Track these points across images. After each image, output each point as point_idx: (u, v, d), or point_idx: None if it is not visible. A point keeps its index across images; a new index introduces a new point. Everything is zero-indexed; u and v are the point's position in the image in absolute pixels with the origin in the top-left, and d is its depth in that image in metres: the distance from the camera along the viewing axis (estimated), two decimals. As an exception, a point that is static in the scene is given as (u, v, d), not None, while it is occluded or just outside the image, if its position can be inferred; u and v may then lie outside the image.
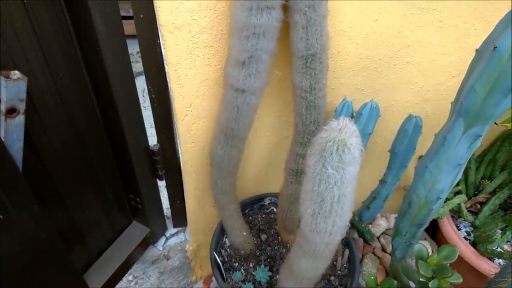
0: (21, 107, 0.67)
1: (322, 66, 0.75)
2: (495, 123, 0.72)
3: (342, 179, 0.57)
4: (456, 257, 0.62)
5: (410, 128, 0.84)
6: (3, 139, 0.66)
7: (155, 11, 0.73)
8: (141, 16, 0.78)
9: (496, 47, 0.56)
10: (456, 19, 0.82)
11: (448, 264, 0.76)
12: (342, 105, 0.86)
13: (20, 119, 0.69)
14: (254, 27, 0.66)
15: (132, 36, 0.83)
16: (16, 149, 0.71)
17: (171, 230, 1.29)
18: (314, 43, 0.71)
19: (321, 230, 0.64)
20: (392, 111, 0.99)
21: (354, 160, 0.56)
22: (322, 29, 0.70)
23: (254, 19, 0.65)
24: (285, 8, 0.68)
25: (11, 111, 0.67)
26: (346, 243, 1.05)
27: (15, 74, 0.65)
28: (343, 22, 0.79)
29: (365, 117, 0.82)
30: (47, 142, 0.81)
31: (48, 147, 0.82)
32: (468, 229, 1.10)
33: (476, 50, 0.62)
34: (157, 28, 0.76)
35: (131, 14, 0.77)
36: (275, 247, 1.06)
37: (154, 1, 0.71)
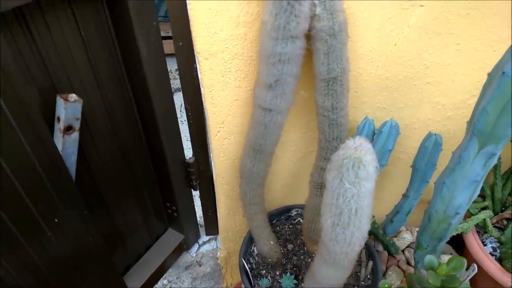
0: (77, 125, 0.78)
1: (343, 87, 0.81)
2: (511, 141, 0.74)
3: (359, 193, 0.62)
4: (464, 268, 0.65)
5: (430, 145, 0.88)
6: (60, 153, 0.76)
7: (193, 40, 0.82)
8: (180, 44, 0.87)
9: (504, 72, 0.60)
10: (474, 42, 0.86)
11: (468, 279, 0.79)
12: (364, 123, 0.91)
13: (75, 135, 0.79)
14: (280, 54, 0.73)
15: (171, 55, 0.92)
16: (71, 162, 0.81)
17: (204, 237, 1.37)
18: (335, 67, 0.77)
19: (340, 240, 0.69)
20: (414, 128, 1.03)
21: (369, 176, 0.61)
22: (342, 55, 0.77)
23: (280, 48, 0.72)
24: (308, 37, 0.75)
25: (68, 129, 0.77)
26: (370, 254, 1.09)
27: (73, 97, 0.76)
28: (363, 47, 0.85)
29: (385, 135, 0.87)
30: (96, 155, 0.92)
31: (97, 159, 0.92)
32: (494, 244, 1.11)
33: (488, 74, 0.67)
34: (194, 54, 0.85)
35: (170, 34, 0.86)
36: (301, 257, 1.12)
37: (191, 32, 0.80)
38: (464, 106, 0.99)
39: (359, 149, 0.61)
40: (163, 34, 1.03)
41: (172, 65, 0.99)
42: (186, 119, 1.02)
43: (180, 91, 0.98)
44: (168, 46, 0.90)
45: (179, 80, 0.95)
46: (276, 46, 0.73)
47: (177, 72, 0.95)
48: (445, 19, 0.82)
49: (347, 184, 0.62)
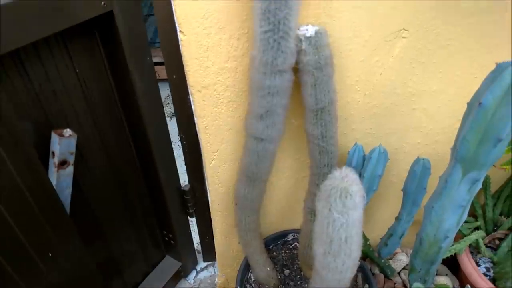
0: (71, 159, 0.80)
1: (331, 117, 0.84)
2: (493, 165, 0.77)
3: (347, 222, 0.64)
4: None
5: (419, 169, 0.91)
6: (54, 187, 0.78)
7: (185, 73, 0.85)
8: (174, 76, 0.91)
9: (480, 103, 0.63)
10: (456, 70, 0.89)
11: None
12: (354, 149, 0.94)
13: (70, 169, 0.81)
14: (269, 87, 0.77)
15: (164, 80, 0.95)
16: (66, 195, 0.83)
17: (202, 264, 1.38)
18: (323, 98, 0.80)
19: (332, 268, 0.71)
20: (404, 152, 1.05)
21: (356, 205, 0.63)
22: (329, 86, 0.80)
23: (269, 81, 0.76)
24: (296, 70, 0.78)
25: (62, 163, 0.79)
26: (366, 278, 1.09)
27: (67, 131, 0.78)
28: (350, 77, 0.88)
29: (375, 161, 0.89)
30: (92, 185, 0.94)
31: (92, 190, 0.94)
32: (487, 265, 1.12)
33: (467, 103, 0.70)
34: (187, 86, 0.88)
35: (162, 60, 0.89)
36: (298, 282, 1.12)
37: (184, 66, 0.84)
38: (451, 130, 1.01)
39: (346, 179, 0.63)
40: (158, 60, 1.06)
41: (167, 90, 1.02)
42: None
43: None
44: (161, 72, 0.93)
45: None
46: (265, 79, 0.76)
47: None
48: (427, 49, 0.85)
49: (335, 214, 0.64)
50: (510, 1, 0.80)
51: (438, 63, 0.88)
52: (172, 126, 1.03)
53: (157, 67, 1.14)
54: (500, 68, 0.62)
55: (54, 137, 0.76)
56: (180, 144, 1.13)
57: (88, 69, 0.82)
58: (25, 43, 0.63)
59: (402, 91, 0.92)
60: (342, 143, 0.99)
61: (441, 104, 0.96)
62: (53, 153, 0.77)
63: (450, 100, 0.95)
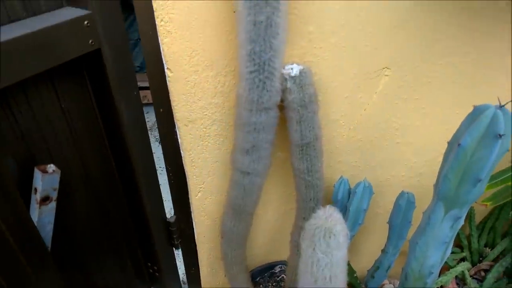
0: (54, 195, 0.79)
1: (317, 152, 0.85)
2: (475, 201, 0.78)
3: (331, 262, 0.64)
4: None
5: (403, 203, 0.91)
6: (36, 224, 0.77)
7: (172, 108, 0.86)
8: (161, 110, 0.91)
9: (459, 144, 0.64)
10: (437, 106, 0.92)
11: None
12: (340, 182, 0.94)
13: (52, 205, 0.80)
14: (255, 124, 0.77)
15: (149, 104, 0.94)
16: (47, 231, 0.81)
17: (187, 295, 1.35)
18: (308, 134, 0.81)
19: (317, 306, 0.70)
20: (389, 184, 1.06)
21: (340, 245, 0.63)
22: (314, 122, 0.81)
23: (254, 118, 0.77)
24: (281, 107, 0.79)
25: (44, 199, 0.78)
26: (352, 311, 1.08)
27: (51, 167, 0.77)
28: (335, 112, 0.90)
29: (359, 195, 0.90)
30: (75, 218, 0.92)
31: (75, 223, 0.93)
32: (474, 297, 1.12)
33: (448, 142, 0.71)
34: (174, 120, 0.89)
35: (147, 85, 0.88)
36: (284, 315, 1.11)
37: (171, 101, 0.84)
38: (435, 163, 1.03)
39: (330, 219, 0.64)
40: (141, 84, 1.06)
41: (151, 113, 1.02)
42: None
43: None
44: (150, 96, 0.93)
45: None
46: (251, 116, 0.77)
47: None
48: (409, 86, 0.88)
49: (320, 254, 0.64)
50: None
51: (420, 99, 0.91)
52: (160, 151, 1.02)
53: (145, 92, 1.14)
54: (477, 111, 0.64)
55: (37, 173, 0.75)
56: (165, 171, 1.12)
57: (74, 104, 0.82)
58: (12, 82, 0.63)
59: (386, 126, 0.94)
60: (328, 175, 1.00)
61: (425, 138, 0.98)
62: (35, 189, 0.76)
63: (433, 134, 0.97)
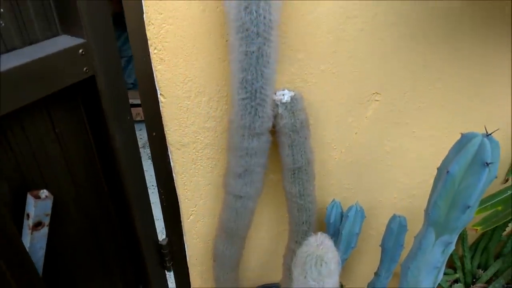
0: (46, 220, 0.79)
1: (309, 176, 0.85)
2: (466, 227, 0.79)
3: (323, 289, 0.64)
4: None
5: (395, 227, 0.92)
6: (28, 249, 0.76)
7: (165, 132, 0.86)
8: (154, 134, 0.91)
9: (448, 171, 0.65)
10: (427, 130, 0.93)
11: None
12: (332, 205, 0.95)
13: (44, 230, 0.79)
14: (247, 148, 0.78)
15: (141, 121, 0.95)
16: (39, 257, 0.81)
17: (179, 318, 1.33)
18: (299, 159, 0.82)
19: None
20: (381, 206, 1.07)
21: (331, 273, 0.64)
22: (306, 147, 0.82)
23: (246, 143, 0.77)
24: (273, 132, 0.80)
25: (37, 225, 0.78)
26: (346, 335, 1.07)
27: (44, 193, 0.77)
28: (326, 136, 0.91)
29: (352, 219, 0.90)
30: (67, 241, 0.91)
31: (67, 246, 0.92)
32: (468, 320, 1.12)
33: (437, 168, 0.72)
34: (166, 144, 0.89)
35: (139, 102, 0.89)
36: None
37: (164, 125, 0.85)
38: (427, 185, 1.04)
39: (321, 247, 0.64)
40: (133, 101, 1.06)
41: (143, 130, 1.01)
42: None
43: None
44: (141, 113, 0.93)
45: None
46: (243, 141, 0.77)
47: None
48: (399, 111, 0.89)
49: (311, 281, 0.64)
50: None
51: (411, 123, 0.92)
52: (152, 169, 1.01)
53: (138, 109, 1.13)
54: (465, 139, 0.65)
55: (30, 199, 0.74)
56: (157, 189, 1.12)
57: (68, 129, 0.82)
58: (8, 110, 0.64)
59: (377, 149, 0.95)
60: (321, 197, 1.00)
61: (415, 161, 0.99)
62: (28, 215, 0.76)
63: (423, 157, 0.98)
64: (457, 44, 0.81)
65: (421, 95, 0.87)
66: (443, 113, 0.91)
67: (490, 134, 0.63)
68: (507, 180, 1.08)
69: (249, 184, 0.85)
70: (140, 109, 0.96)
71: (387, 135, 0.93)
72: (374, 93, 0.86)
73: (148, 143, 0.99)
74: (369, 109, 0.88)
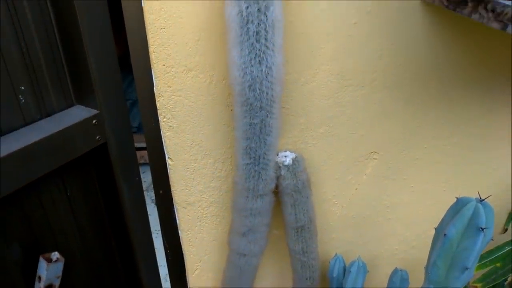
0: (57, 282, 0.80)
1: (311, 234, 0.88)
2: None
3: None
4: None
5: (397, 280, 0.93)
6: (38, 311, 0.78)
7: (172, 192, 0.89)
8: (161, 192, 0.95)
9: (445, 234, 0.68)
10: (425, 184, 0.96)
11: None
12: (335, 260, 0.96)
13: (55, 292, 0.81)
14: (251, 209, 0.81)
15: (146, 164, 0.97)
16: (49, 317, 0.82)
17: None
18: (302, 218, 0.85)
19: None
20: (383, 257, 1.08)
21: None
22: (308, 206, 0.85)
23: (250, 204, 0.80)
24: (276, 192, 0.83)
25: (48, 287, 0.79)
26: None
27: (55, 255, 0.80)
28: (327, 192, 0.94)
29: (354, 274, 0.92)
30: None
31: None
32: None
33: (435, 228, 0.75)
34: (173, 203, 0.92)
35: (144, 145, 0.91)
36: None
37: (170, 186, 0.88)
38: (426, 236, 1.06)
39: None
40: (138, 145, 1.09)
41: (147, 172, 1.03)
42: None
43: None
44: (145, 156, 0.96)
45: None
46: (247, 202, 0.81)
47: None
48: (397, 168, 0.93)
49: None
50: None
51: (408, 179, 0.95)
52: (155, 212, 1.03)
53: (143, 152, 1.16)
54: (460, 203, 0.68)
55: (42, 262, 0.77)
56: (160, 234, 1.13)
57: (79, 191, 0.86)
58: (26, 182, 0.67)
59: (377, 203, 0.98)
60: (323, 251, 1.02)
61: (414, 214, 1.01)
62: (39, 278, 0.78)
63: (422, 209, 1.01)
64: (450, 106, 0.86)
65: (418, 152, 0.91)
66: (439, 168, 0.95)
67: (484, 200, 0.66)
68: (506, 230, 1.10)
69: (253, 242, 0.87)
70: (144, 152, 0.99)
71: (386, 190, 0.96)
72: (372, 152, 0.90)
73: (151, 186, 1.01)
74: (367, 167, 0.92)
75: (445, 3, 0.64)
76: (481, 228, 0.64)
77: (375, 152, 0.90)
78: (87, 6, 0.68)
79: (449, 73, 0.82)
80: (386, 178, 0.94)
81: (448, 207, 0.75)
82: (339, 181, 0.93)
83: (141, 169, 0.99)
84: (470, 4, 0.59)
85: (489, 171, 0.98)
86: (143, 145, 0.96)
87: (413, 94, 0.83)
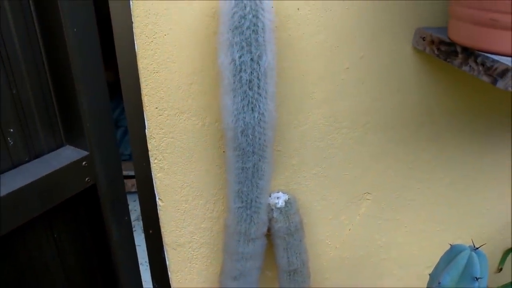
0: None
1: (304, 277, 0.86)
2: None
3: None
4: None
5: (393, 325, 0.91)
6: None
7: (162, 233, 0.87)
8: (150, 231, 0.93)
9: (440, 282, 0.67)
10: (419, 224, 0.95)
11: None
12: (328, 302, 0.94)
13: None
14: (243, 253, 0.79)
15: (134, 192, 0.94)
16: None
17: None
18: (295, 261, 0.83)
19: None
20: (378, 298, 1.06)
21: None
22: (301, 249, 0.83)
23: (242, 248, 0.79)
24: (268, 235, 0.82)
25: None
26: None
27: (39, 299, 0.77)
28: (320, 233, 0.92)
29: (348, 319, 0.89)
30: None
31: None
32: None
33: (429, 275, 0.74)
34: (163, 243, 0.90)
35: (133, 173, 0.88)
36: None
37: (160, 226, 0.87)
38: (421, 276, 1.04)
39: None
40: (129, 173, 1.05)
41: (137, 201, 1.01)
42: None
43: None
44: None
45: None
46: (238, 246, 0.79)
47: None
48: (390, 208, 0.92)
49: None
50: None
51: (402, 219, 0.94)
52: (144, 244, 1.00)
53: (133, 180, 1.14)
54: (455, 251, 0.67)
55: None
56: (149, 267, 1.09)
57: (67, 232, 0.83)
58: (13, 227, 0.65)
59: (371, 244, 0.97)
60: (317, 292, 1.00)
61: (408, 254, 1.00)
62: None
63: (416, 250, 1.00)
64: (443, 148, 0.86)
65: (411, 193, 0.91)
66: (433, 208, 0.94)
67: (478, 248, 0.65)
68: (500, 269, 1.09)
69: (244, 286, 0.85)
70: (134, 181, 0.98)
71: (379, 231, 0.95)
72: (365, 193, 0.89)
73: (141, 216, 0.98)
74: (361, 207, 0.91)
75: (436, 52, 0.65)
76: (476, 277, 0.63)
77: (368, 193, 0.89)
78: (81, 47, 0.68)
79: (441, 116, 0.82)
80: (380, 218, 0.93)
81: (443, 247, 0.74)
82: (333, 221, 0.92)
83: (131, 197, 0.97)
84: (460, 56, 0.59)
85: (482, 211, 0.98)
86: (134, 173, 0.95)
87: (405, 137, 0.83)
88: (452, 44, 0.61)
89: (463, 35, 0.58)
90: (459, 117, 0.83)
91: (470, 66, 0.57)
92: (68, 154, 0.74)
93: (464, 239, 1.01)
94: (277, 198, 0.81)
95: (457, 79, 0.78)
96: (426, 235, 0.98)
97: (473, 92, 0.81)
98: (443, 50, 0.64)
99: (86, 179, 0.75)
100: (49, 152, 0.75)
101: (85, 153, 0.74)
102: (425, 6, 0.71)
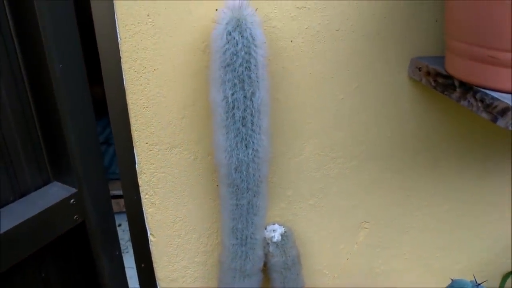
0: None
1: (302, 311, 0.83)
2: None
3: None
4: None
5: None
6: None
7: (154, 268, 0.84)
8: (142, 265, 0.89)
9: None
10: (417, 251, 0.94)
11: None
12: (327, 334, 0.91)
13: None
14: (239, 290, 0.77)
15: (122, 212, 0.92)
16: None
17: None
18: (292, 295, 0.80)
19: None
20: (378, 326, 1.04)
21: None
22: (298, 283, 0.81)
23: (237, 284, 0.76)
24: (264, 270, 0.79)
25: None
26: None
27: None
28: (318, 263, 0.90)
29: None
30: None
31: None
32: None
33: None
34: (155, 278, 0.87)
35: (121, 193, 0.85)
36: None
37: (153, 262, 0.84)
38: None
39: None
40: (115, 193, 1.03)
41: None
42: None
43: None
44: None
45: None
46: (234, 283, 0.76)
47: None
48: (389, 236, 0.90)
49: None
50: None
51: (401, 246, 0.92)
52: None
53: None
54: (456, 286, 0.65)
55: None
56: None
57: (56, 270, 0.80)
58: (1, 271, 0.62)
59: (369, 272, 0.94)
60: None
61: (408, 281, 0.98)
62: None
63: (416, 277, 0.98)
64: (440, 174, 0.85)
65: (409, 220, 0.89)
66: (432, 234, 0.93)
67: (480, 285, 0.63)
68: (500, 294, 1.07)
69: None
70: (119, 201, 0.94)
71: (378, 258, 0.93)
72: (362, 222, 0.87)
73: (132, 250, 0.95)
74: (359, 236, 0.89)
75: (433, 83, 0.64)
76: (480, 316, 0.61)
77: (366, 222, 0.87)
78: (67, 83, 0.66)
79: (438, 144, 0.81)
80: (378, 246, 0.91)
81: (442, 274, 0.73)
82: (330, 250, 0.89)
83: (123, 217, 0.93)
84: (458, 90, 0.58)
85: (482, 236, 0.96)
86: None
87: (402, 165, 0.82)
88: (449, 77, 0.60)
89: (460, 69, 0.56)
90: (456, 144, 0.81)
91: (469, 101, 0.56)
92: (55, 192, 0.71)
93: (463, 264, 0.99)
94: (273, 231, 0.78)
95: (454, 109, 0.77)
96: (426, 262, 0.96)
97: (470, 121, 0.79)
98: (440, 82, 0.62)
99: (75, 217, 0.73)
100: (35, 189, 0.72)
101: (73, 190, 0.72)
102: (419, 34, 0.70)
